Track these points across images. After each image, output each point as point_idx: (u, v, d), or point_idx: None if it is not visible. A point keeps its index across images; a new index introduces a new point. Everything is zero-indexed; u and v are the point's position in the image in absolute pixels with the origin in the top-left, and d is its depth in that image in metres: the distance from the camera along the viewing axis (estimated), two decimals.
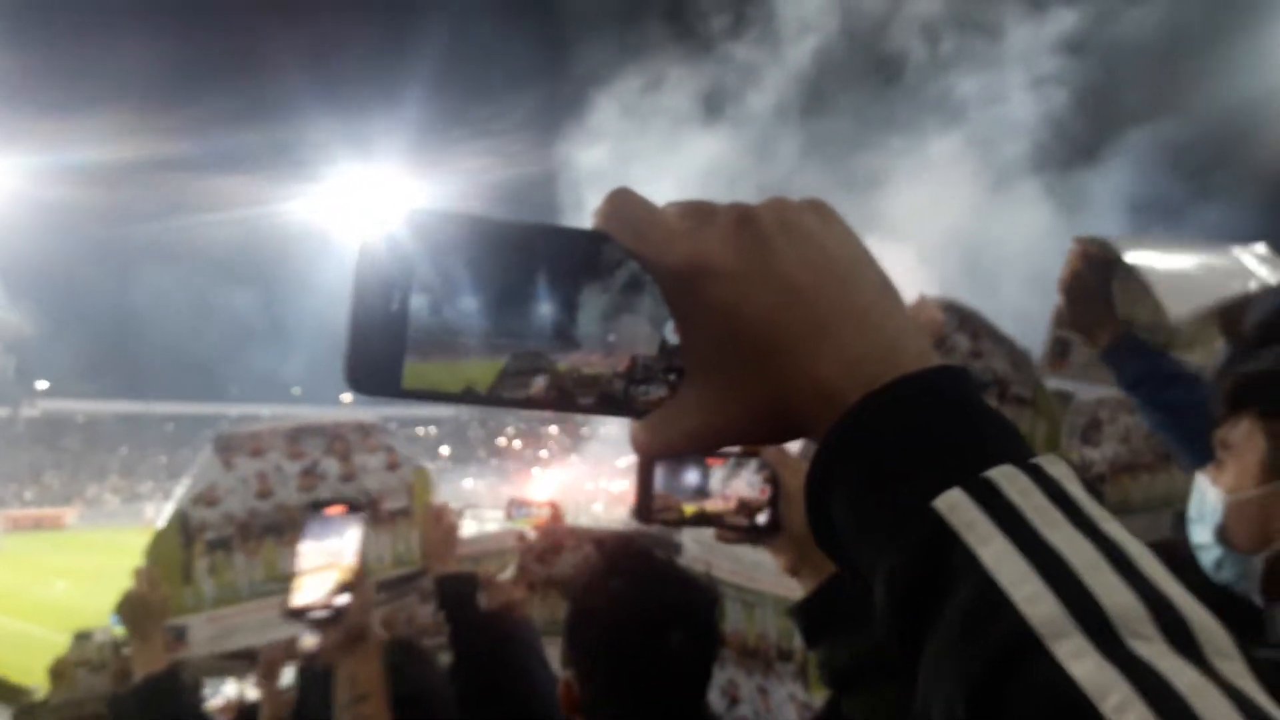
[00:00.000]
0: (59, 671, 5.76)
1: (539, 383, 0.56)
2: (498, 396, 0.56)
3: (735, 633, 2.45)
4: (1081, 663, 0.41)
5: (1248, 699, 0.39)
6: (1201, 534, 1.34)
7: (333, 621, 1.67)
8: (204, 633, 2.49)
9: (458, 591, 2.41)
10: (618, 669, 1.42)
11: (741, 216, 0.58)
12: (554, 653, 2.75)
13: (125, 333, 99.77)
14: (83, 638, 5.99)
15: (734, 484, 1.36)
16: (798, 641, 2.49)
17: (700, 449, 0.64)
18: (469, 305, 0.55)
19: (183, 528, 2.51)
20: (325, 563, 1.72)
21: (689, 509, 1.35)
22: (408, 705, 2.12)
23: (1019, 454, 0.50)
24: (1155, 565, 0.45)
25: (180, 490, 2.58)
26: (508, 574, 3.14)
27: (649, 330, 0.58)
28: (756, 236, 0.57)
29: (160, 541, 2.49)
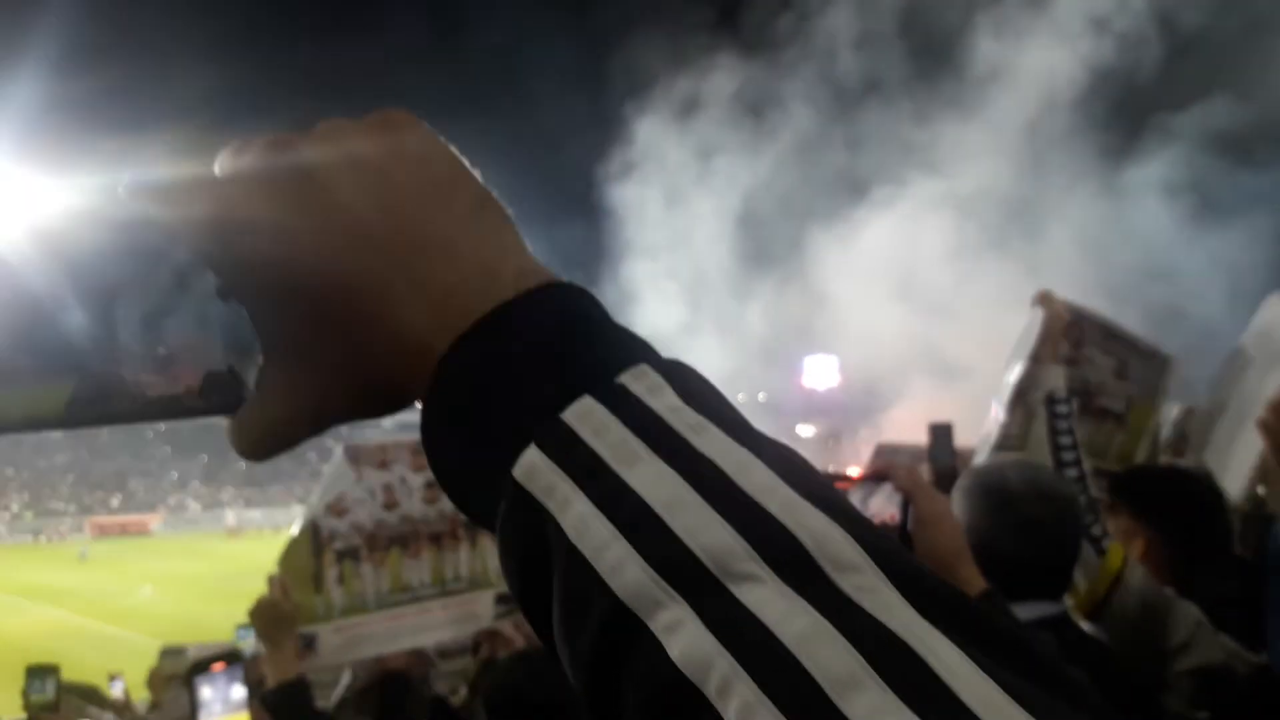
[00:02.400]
0: (154, 683, 5.96)
1: (119, 406, 0.49)
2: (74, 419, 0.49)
3: None
4: (678, 636, 0.34)
5: (869, 624, 0.33)
6: None
7: None
8: (332, 641, 2.53)
9: None
10: None
11: (275, 149, 0.48)
12: None
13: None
14: (173, 654, 6.20)
15: (870, 506, 1.33)
16: None
17: (302, 438, 0.51)
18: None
19: (314, 537, 2.54)
20: (226, 712, 1.86)
21: None
22: (545, 712, 2.14)
23: (610, 374, 0.41)
24: (762, 474, 0.37)
25: (311, 499, 2.63)
26: None
27: (205, 338, 0.49)
28: (298, 173, 0.46)
29: (292, 550, 2.53)
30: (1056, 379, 2.61)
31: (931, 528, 1.31)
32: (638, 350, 0.44)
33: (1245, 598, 2.37)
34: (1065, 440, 2.52)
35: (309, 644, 2.49)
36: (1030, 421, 2.60)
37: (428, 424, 0.44)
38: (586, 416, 0.40)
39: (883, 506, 1.33)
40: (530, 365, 0.42)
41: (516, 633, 3.16)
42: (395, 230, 0.46)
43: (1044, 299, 2.80)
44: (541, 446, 0.40)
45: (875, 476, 1.35)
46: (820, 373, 44.23)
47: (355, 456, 2.60)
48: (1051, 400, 2.57)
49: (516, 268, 0.46)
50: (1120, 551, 2.18)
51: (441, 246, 0.46)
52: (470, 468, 0.43)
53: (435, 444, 0.45)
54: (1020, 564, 1.85)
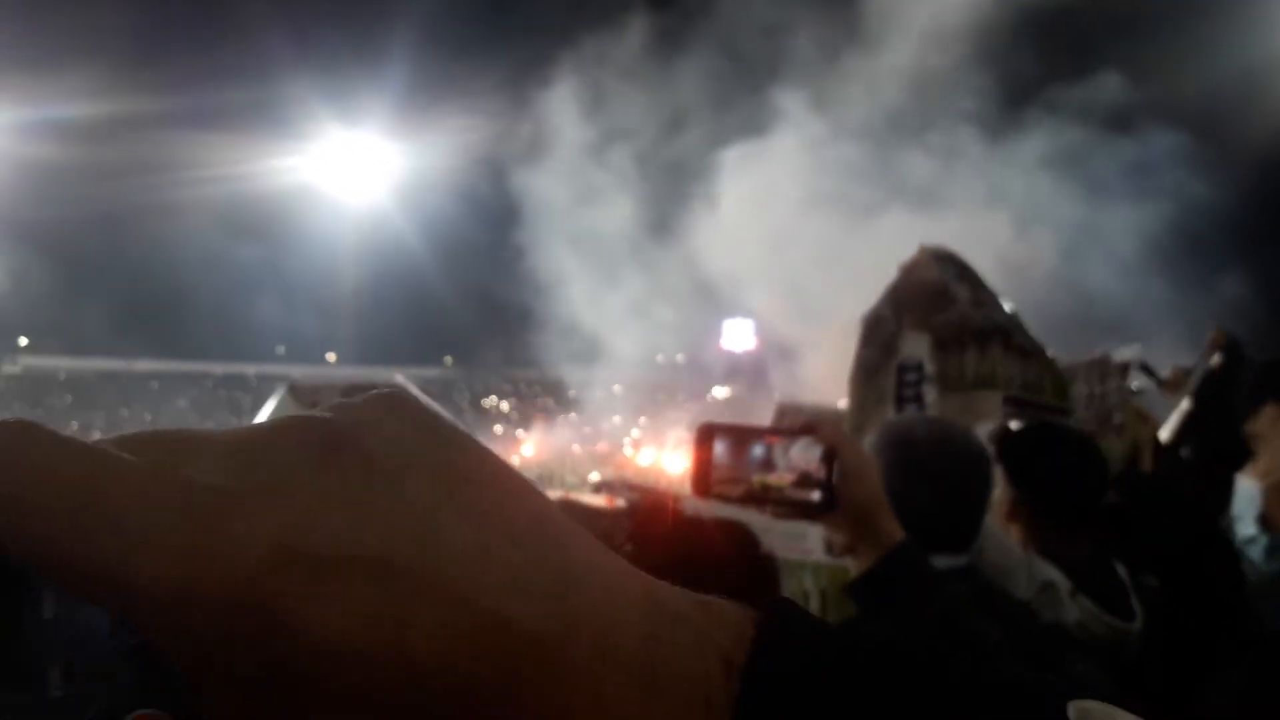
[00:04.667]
0: None
1: None
2: None
3: None
4: None
5: None
6: (1245, 528, 1.39)
7: None
8: None
9: None
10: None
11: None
12: None
13: (106, 290, 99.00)
14: None
15: (794, 458, 1.37)
16: (813, 603, 2.57)
17: None
18: None
19: None
20: None
21: (757, 480, 1.37)
22: None
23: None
24: None
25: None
26: None
27: None
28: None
29: None
30: (916, 346, 2.64)
31: (855, 480, 1.36)
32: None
33: (1111, 560, 2.45)
34: (911, 408, 2.57)
35: None
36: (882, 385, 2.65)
37: None
38: None
39: (807, 460, 1.37)
40: None
41: None
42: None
43: (917, 259, 2.81)
44: None
45: (801, 431, 1.39)
46: (738, 335, 44.59)
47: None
48: (901, 368, 2.61)
49: (642, 587, 0.36)
50: None
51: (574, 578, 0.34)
52: None
53: None
54: (929, 517, 1.88)
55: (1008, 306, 3.23)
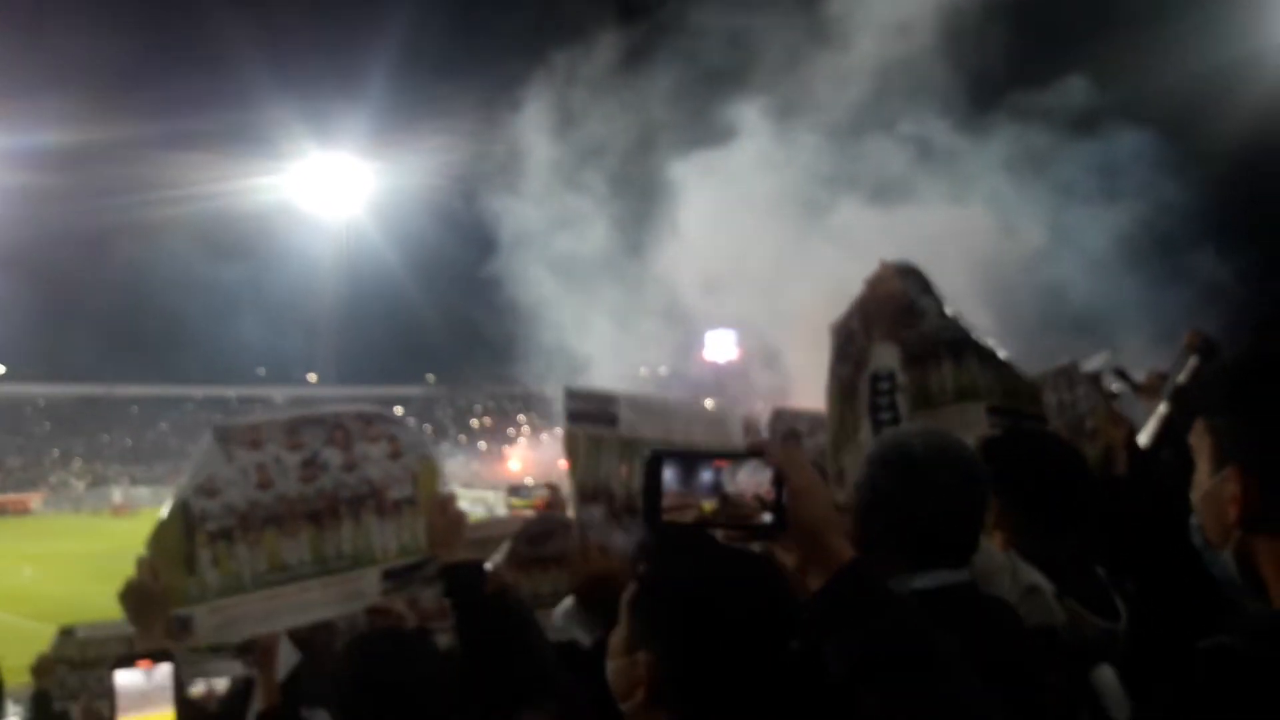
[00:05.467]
0: (43, 668, 5.68)
1: None
2: None
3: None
4: None
5: None
6: (1196, 537, 1.40)
7: None
8: (209, 622, 2.48)
9: (464, 580, 2.45)
10: (711, 644, 1.43)
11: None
12: (544, 623, 2.82)
13: (85, 315, 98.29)
14: (66, 634, 5.95)
15: (742, 482, 1.39)
16: None
17: None
18: None
19: (184, 518, 2.48)
20: (145, 705, 1.76)
21: (706, 506, 1.38)
22: (395, 691, 2.19)
23: None
24: None
25: (181, 480, 2.56)
26: (499, 557, 3.21)
27: None
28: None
29: (162, 532, 2.47)
30: (886, 357, 2.65)
31: (804, 500, 1.37)
32: None
33: (1096, 561, 2.46)
34: (884, 416, 2.58)
35: (184, 625, 2.44)
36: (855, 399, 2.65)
37: None
38: None
39: (757, 482, 1.38)
40: None
41: (409, 609, 3.17)
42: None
43: (881, 273, 2.82)
44: None
45: (749, 453, 1.40)
46: (720, 347, 44.68)
47: (225, 437, 2.55)
48: (875, 378, 2.61)
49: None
50: None
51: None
52: None
53: None
54: (928, 530, 1.89)
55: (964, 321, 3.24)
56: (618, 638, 1.54)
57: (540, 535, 3.27)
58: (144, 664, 1.74)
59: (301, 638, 3.59)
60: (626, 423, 2.47)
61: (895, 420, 2.56)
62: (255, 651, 3.17)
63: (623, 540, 2.43)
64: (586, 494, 2.41)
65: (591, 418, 2.45)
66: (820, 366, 2.94)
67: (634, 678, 1.48)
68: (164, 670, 1.75)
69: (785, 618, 1.41)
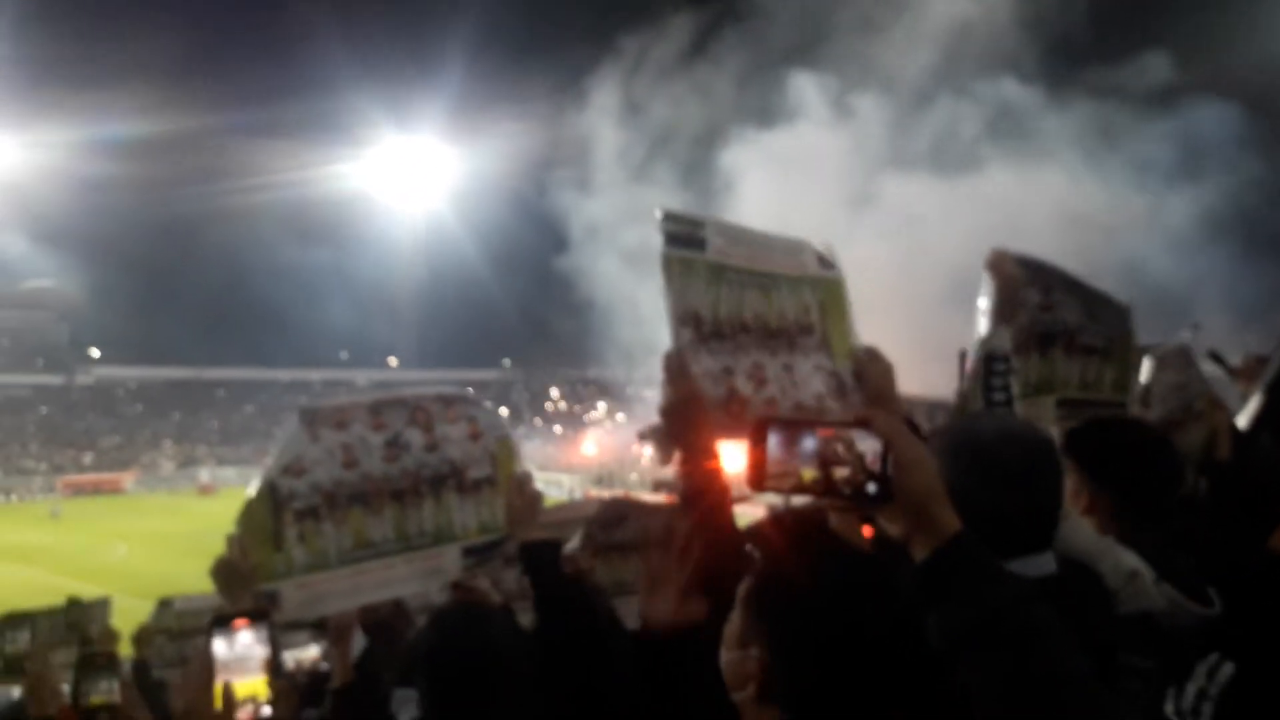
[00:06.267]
0: (142, 639, 5.89)
1: None
2: None
3: (757, 316, 2.49)
4: None
5: None
6: None
7: None
8: (295, 598, 2.54)
9: (541, 557, 2.48)
10: (822, 650, 1.42)
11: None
12: (624, 611, 2.87)
13: (175, 301, 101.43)
14: (164, 605, 6.17)
15: (846, 453, 1.37)
16: (814, 315, 2.56)
17: None
18: None
19: (271, 497, 2.55)
20: (241, 671, 1.71)
21: (807, 474, 1.37)
22: (476, 662, 2.22)
23: None
24: None
25: (268, 460, 2.63)
26: (574, 543, 3.22)
27: None
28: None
29: (250, 510, 2.54)
30: (1001, 339, 2.64)
31: (909, 472, 1.35)
32: None
33: (1192, 548, 2.41)
34: (999, 396, 2.56)
35: (272, 600, 2.51)
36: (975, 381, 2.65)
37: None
38: None
39: (863, 450, 1.37)
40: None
41: (491, 586, 3.22)
42: None
43: (995, 261, 2.82)
44: None
45: (856, 423, 1.39)
46: None
47: (310, 420, 2.61)
48: (990, 358, 2.60)
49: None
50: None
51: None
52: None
53: None
54: (1003, 517, 1.84)
55: (1086, 305, 3.19)
56: (732, 628, 1.53)
57: (614, 520, 3.26)
58: (240, 623, 1.72)
59: (378, 620, 3.66)
60: (714, 247, 2.46)
61: (1009, 402, 2.54)
62: (330, 632, 3.25)
63: (708, 363, 2.43)
64: (679, 317, 2.42)
65: (683, 241, 2.44)
66: (890, 337, 2.90)
67: (746, 672, 1.48)
68: (256, 636, 1.73)
69: (897, 625, 1.40)
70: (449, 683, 2.27)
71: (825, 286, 2.60)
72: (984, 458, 1.91)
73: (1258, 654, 2.24)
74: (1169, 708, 2.24)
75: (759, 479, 1.38)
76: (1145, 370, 3.56)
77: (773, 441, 1.39)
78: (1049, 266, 3.11)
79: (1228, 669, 2.23)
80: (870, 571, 1.45)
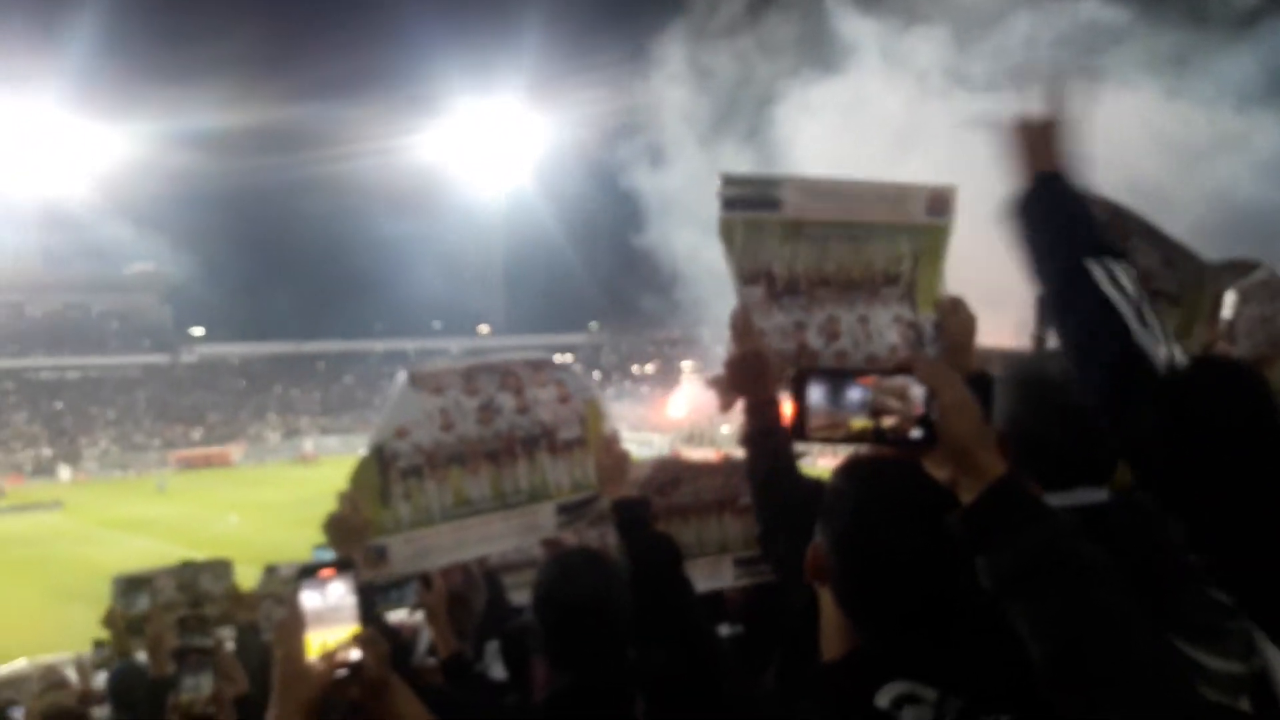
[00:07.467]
0: (251, 603, 6.21)
1: None
2: None
3: (840, 268, 2.55)
4: None
5: None
6: None
7: (353, 679, 1.63)
8: (404, 552, 2.73)
9: (631, 514, 2.57)
10: (867, 553, 1.50)
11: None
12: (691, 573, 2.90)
13: (271, 277, 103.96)
14: (271, 571, 6.43)
15: (892, 399, 1.41)
16: (905, 265, 2.58)
17: None
18: None
19: (379, 457, 2.74)
20: (332, 621, 1.67)
21: (856, 424, 1.41)
22: (579, 611, 2.33)
23: None
24: None
25: (379, 421, 2.81)
26: None
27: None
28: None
29: (361, 469, 2.73)
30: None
31: (954, 416, 1.37)
32: None
33: None
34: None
35: (381, 554, 2.69)
36: None
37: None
38: None
39: (909, 396, 1.40)
40: None
41: (577, 541, 3.34)
42: None
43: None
44: None
45: (898, 369, 1.41)
46: None
47: (412, 383, 2.78)
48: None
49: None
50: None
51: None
52: None
53: None
54: (1063, 452, 1.89)
55: (1163, 251, 3.18)
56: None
57: (668, 484, 3.25)
58: (327, 573, 1.70)
59: (452, 591, 3.79)
60: (793, 205, 2.52)
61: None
62: (426, 611, 3.44)
63: (779, 319, 2.52)
64: (745, 276, 2.49)
65: (749, 203, 2.50)
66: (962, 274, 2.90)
67: (810, 557, 1.58)
68: (345, 587, 1.70)
69: (946, 559, 1.42)
70: (574, 613, 2.34)
71: (927, 233, 2.65)
72: (1049, 394, 1.95)
73: None
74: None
75: (801, 428, 1.43)
76: (1229, 305, 3.50)
77: (816, 392, 1.42)
78: (1127, 211, 3.09)
79: None
80: (928, 498, 1.44)
